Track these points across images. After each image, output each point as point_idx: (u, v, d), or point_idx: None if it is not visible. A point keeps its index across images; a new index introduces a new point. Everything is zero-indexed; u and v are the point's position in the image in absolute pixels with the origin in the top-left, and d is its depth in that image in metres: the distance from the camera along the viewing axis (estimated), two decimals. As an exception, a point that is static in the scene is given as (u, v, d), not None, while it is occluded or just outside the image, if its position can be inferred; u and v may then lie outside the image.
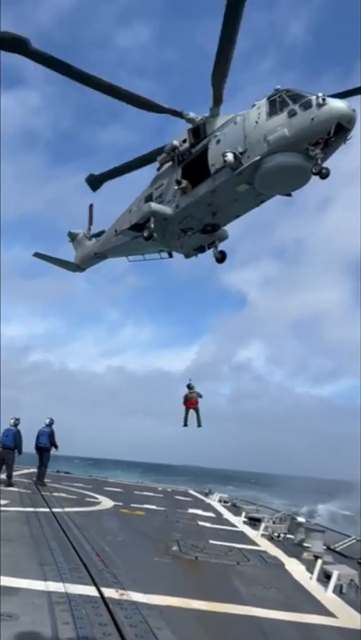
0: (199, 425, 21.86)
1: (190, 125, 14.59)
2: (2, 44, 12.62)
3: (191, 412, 21.77)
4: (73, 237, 21.11)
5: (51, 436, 19.06)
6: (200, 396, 22.15)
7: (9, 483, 16.92)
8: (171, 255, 17.69)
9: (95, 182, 17.48)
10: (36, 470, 19.49)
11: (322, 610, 7.39)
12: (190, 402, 22.03)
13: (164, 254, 17.71)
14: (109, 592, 6.54)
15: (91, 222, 20.37)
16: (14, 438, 17.50)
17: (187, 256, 17.08)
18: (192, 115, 14.42)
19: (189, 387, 22.40)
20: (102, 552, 8.81)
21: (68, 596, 6.19)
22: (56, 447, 19.32)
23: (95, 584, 6.77)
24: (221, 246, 16.03)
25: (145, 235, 15.33)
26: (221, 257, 15.77)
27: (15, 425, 17.84)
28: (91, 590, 6.53)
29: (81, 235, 20.66)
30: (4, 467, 17.45)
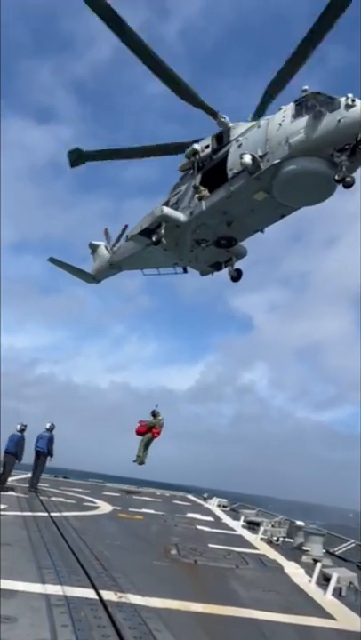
0: (143, 462, 21.04)
1: (219, 129, 13.84)
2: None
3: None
4: (94, 249, 20.69)
5: (50, 441, 18.55)
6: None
7: (3, 487, 16.76)
8: (185, 270, 16.85)
9: (80, 158, 15.41)
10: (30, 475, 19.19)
11: (321, 612, 7.36)
12: (157, 430, 21.18)
13: (179, 269, 16.91)
14: (108, 595, 6.51)
15: (118, 240, 19.19)
16: (16, 444, 17.25)
17: (202, 273, 16.15)
18: (226, 119, 13.68)
19: (155, 413, 21.36)
20: (101, 556, 8.78)
21: (66, 598, 6.15)
22: (51, 455, 18.62)
23: (94, 587, 6.73)
24: (239, 264, 14.95)
25: (153, 239, 14.56)
26: (237, 275, 14.86)
27: (21, 431, 17.58)
28: (89, 593, 6.49)
29: (102, 246, 20.22)
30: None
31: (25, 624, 5.26)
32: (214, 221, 13.77)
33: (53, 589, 6.47)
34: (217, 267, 15.66)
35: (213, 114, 13.51)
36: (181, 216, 14.32)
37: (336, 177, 10.51)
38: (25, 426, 17.78)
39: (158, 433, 21.20)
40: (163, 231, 14.27)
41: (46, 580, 6.84)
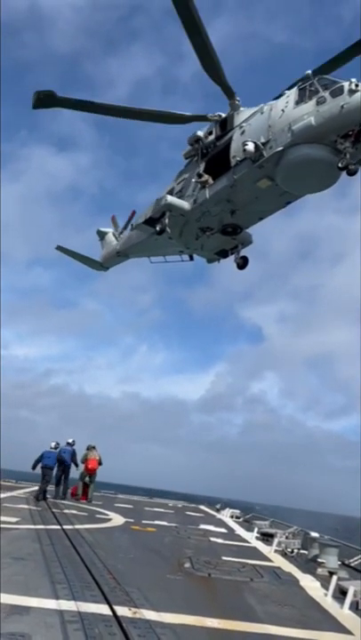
0: (90, 499, 20.56)
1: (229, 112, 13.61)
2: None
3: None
4: (102, 236, 20.73)
5: (73, 455, 20.65)
6: (100, 464, 21.02)
7: (44, 497, 18.71)
8: (192, 258, 16.92)
9: (48, 100, 13.25)
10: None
11: (338, 627, 7.24)
12: (90, 461, 20.81)
13: (185, 256, 16.99)
14: (122, 610, 6.46)
15: (125, 227, 19.54)
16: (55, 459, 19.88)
17: (209, 260, 16.22)
18: (218, 115, 13.66)
19: (90, 447, 21.25)
20: (114, 569, 8.72)
21: (80, 614, 6.12)
22: (77, 465, 20.78)
23: (108, 602, 6.68)
24: (245, 252, 14.80)
25: (157, 229, 14.47)
26: (243, 262, 14.73)
27: (55, 448, 20.09)
28: (103, 609, 6.44)
29: (110, 234, 20.28)
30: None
31: (39, 641, 5.23)
32: (218, 209, 13.66)
33: (67, 605, 6.43)
34: (223, 254, 15.61)
35: (231, 94, 13.22)
36: (185, 204, 14.22)
37: (340, 164, 10.41)
38: (59, 444, 20.35)
39: (93, 465, 20.66)
40: (167, 220, 14.19)
41: (60, 596, 6.80)
